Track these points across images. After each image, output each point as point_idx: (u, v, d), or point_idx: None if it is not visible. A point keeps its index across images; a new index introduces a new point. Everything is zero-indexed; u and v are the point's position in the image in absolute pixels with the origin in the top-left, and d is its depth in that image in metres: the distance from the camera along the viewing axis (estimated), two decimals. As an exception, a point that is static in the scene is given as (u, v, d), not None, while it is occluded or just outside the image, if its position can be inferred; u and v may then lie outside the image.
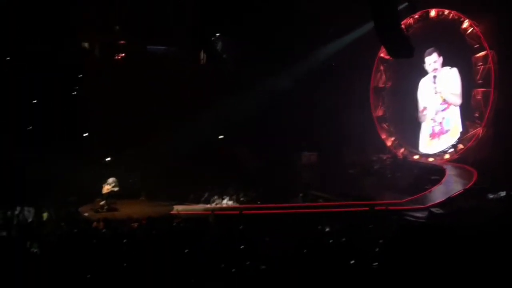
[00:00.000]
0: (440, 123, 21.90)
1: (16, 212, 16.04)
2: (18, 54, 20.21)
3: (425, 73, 22.19)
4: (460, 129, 20.77)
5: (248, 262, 9.13)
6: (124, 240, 10.95)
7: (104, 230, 13.31)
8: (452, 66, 21.09)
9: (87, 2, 22.10)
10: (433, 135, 22.28)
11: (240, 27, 22.14)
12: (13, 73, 19.69)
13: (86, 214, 17.12)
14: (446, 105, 21.60)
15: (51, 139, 19.87)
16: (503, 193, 15.72)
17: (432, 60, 21.65)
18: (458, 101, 21.05)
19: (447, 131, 21.61)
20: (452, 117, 21.40)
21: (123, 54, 24.05)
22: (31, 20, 19.78)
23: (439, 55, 21.44)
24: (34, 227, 14.92)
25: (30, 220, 15.96)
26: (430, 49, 21.56)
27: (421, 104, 22.68)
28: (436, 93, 21.80)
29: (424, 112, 22.60)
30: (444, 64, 21.41)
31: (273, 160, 22.47)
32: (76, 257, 9.61)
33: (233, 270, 8.69)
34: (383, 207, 15.73)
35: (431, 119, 22.30)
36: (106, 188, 17.88)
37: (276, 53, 22.77)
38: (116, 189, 17.82)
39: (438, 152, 21.45)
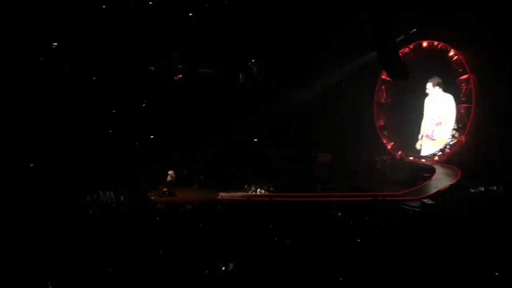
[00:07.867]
0: (430, 135, 21.54)
1: (100, 196, 16.52)
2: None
3: (417, 92, 21.67)
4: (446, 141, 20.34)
5: (276, 238, 9.17)
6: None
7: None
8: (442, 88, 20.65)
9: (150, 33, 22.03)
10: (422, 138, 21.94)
11: (271, 54, 22.30)
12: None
13: (152, 198, 17.45)
14: (436, 124, 21.22)
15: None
16: (482, 188, 15.33)
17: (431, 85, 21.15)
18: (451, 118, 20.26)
19: (434, 139, 21.29)
20: (441, 132, 20.94)
21: (180, 75, 24.40)
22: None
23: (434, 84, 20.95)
24: (113, 207, 15.29)
25: (110, 202, 16.38)
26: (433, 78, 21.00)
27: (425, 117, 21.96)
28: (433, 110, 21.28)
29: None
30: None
31: (296, 159, 22.40)
32: (144, 231, 9.85)
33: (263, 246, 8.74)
34: (384, 198, 15.50)
35: (425, 131, 21.89)
36: (168, 178, 18.30)
37: (300, 75, 22.75)
38: (173, 179, 18.28)
39: (429, 154, 20.98)
